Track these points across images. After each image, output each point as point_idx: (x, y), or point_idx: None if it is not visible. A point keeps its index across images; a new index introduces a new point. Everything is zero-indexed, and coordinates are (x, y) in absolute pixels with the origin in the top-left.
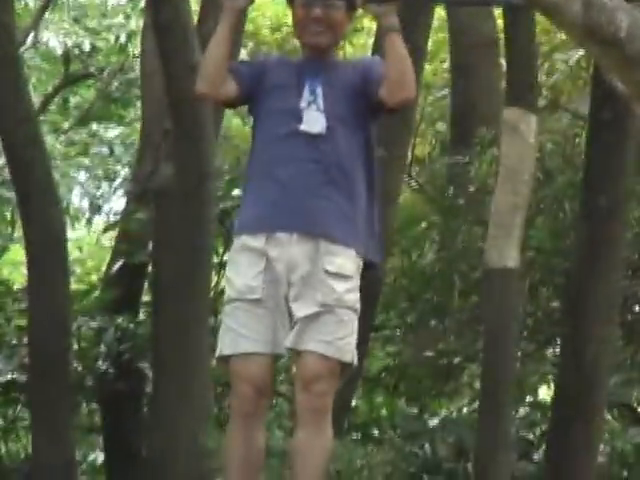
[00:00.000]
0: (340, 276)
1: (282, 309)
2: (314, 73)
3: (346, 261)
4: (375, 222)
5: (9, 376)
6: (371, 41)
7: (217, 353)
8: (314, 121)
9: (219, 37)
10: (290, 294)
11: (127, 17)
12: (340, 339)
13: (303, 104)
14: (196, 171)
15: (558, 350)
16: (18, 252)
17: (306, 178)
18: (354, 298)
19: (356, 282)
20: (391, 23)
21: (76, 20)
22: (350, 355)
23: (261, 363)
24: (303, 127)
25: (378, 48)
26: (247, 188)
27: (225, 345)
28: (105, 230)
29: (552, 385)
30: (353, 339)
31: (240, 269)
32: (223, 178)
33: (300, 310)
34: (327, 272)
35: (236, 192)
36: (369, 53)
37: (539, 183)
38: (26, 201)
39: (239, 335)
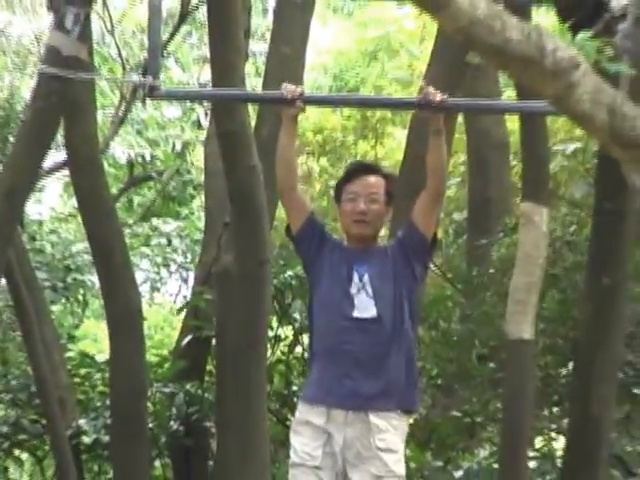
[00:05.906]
0: (390, 451)
1: (339, 478)
2: (360, 261)
3: (394, 437)
4: (414, 372)
5: (94, 436)
6: (396, 144)
7: None
8: (365, 307)
9: (282, 141)
10: (346, 467)
11: (182, 129)
12: None
13: (353, 290)
14: (255, 257)
15: (567, 408)
16: (90, 327)
17: (358, 359)
18: (401, 467)
19: (401, 453)
20: (438, 126)
21: (139, 132)
22: None
23: None
24: (356, 313)
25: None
26: (313, 365)
27: None
28: (179, 310)
29: (562, 439)
30: None
31: (304, 440)
32: (276, 262)
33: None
34: (379, 448)
35: (288, 273)
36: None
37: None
38: (108, 282)
39: None
